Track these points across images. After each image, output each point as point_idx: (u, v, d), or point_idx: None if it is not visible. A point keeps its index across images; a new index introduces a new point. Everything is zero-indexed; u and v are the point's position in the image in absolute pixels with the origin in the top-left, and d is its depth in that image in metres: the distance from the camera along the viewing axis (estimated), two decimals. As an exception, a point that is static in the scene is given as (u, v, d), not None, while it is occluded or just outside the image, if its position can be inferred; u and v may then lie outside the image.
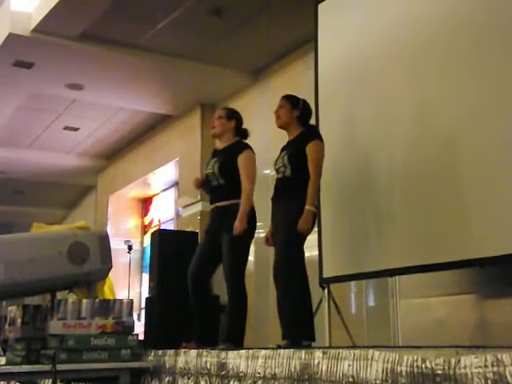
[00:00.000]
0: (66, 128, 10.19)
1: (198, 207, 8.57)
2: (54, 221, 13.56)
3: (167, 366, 3.71)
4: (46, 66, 7.74)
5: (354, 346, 4.32)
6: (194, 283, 4.18)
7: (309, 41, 6.21)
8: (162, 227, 10.93)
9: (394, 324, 5.13)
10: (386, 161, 4.44)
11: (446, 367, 1.99)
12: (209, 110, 8.79)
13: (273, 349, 3.09)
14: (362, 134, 4.71)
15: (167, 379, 3.67)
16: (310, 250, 4.49)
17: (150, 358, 3.90)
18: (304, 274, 3.90)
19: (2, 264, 4.01)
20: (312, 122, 4.39)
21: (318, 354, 2.58)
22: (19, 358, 3.58)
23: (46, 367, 3.42)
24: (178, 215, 9.83)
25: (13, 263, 4.04)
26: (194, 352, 3.52)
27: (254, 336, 6.22)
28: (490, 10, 3.87)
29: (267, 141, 6.83)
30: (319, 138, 4.09)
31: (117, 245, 9.10)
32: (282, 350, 2.86)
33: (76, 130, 10.30)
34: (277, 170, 4.13)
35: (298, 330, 3.81)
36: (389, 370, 2.21)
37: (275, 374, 2.79)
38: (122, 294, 8.52)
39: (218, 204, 4.21)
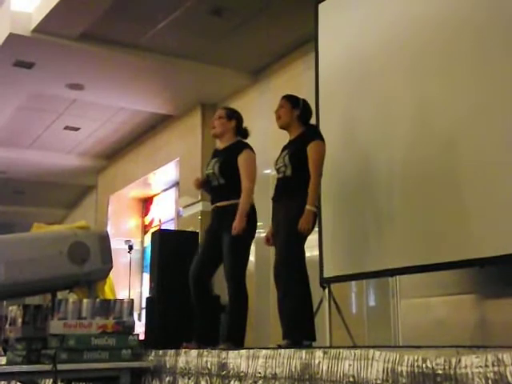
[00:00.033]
0: (66, 128, 10.20)
1: (199, 207, 8.57)
2: (54, 221, 13.57)
3: (168, 366, 3.71)
4: (47, 65, 7.74)
5: (355, 346, 4.32)
6: (196, 283, 4.18)
7: (309, 41, 6.22)
8: (162, 227, 10.93)
9: (394, 324, 5.13)
10: (386, 161, 4.44)
11: (447, 367, 2.00)
12: (209, 109, 8.80)
13: (273, 349, 3.09)
14: (362, 134, 4.71)
15: (168, 379, 3.68)
16: (311, 249, 4.49)
17: (151, 357, 3.90)
18: (304, 274, 3.91)
19: (3, 264, 4.01)
20: (312, 121, 4.39)
21: (319, 353, 2.58)
22: (20, 358, 3.58)
23: (47, 367, 3.42)
24: (178, 215, 9.84)
25: (13, 263, 4.05)
26: (194, 352, 3.52)
27: (254, 336, 6.23)
28: (489, 10, 3.87)
29: (267, 141, 6.83)
30: (320, 137, 4.10)
31: (117, 245, 9.11)
32: (283, 350, 2.86)
33: (76, 129, 10.30)
34: (277, 170, 4.13)
35: (298, 330, 3.82)
36: (389, 369, 2.21)
37: (276, 373, 2.79)
38: (122, 294, 8.52)
39: (218, 204, 4.21)
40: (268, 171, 6.93)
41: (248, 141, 4.38)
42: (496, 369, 1.85)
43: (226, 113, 4.41)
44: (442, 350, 2.77)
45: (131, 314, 3.81)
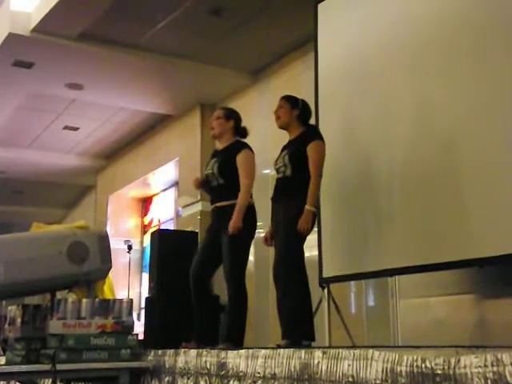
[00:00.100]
0: (65, 128, 10.20)
1: (198, 207, 8.57)
2: (53, 220, 13.57)
3: (167, 366, 3.71)
4: (46, 65, 7.74)
5: (354, 346, 4.32)
6: (196, 283, 4.18)
7: (308, 41, 6.21)
8: (161, 227, 10.93)
9: (393, 324, 5.14)
10: (386, 161, 4.44)
11: (446, 367, 2.00)
12: (208, 109, 8.79)
13: (273, 348, 3.09)
14: (362, 134, 4.71)
15: (167, 379, 3.67)
16: (310, 249, 4.49)
17: (150, 357, 3.90)
18: (304, 274, 3.91)
19: (2, 264, 4.01)
20: (312, 121, 4.40)
21: (318, 353, 2.58)
22: (19, 358, 3.58)
23: (46, 367, 3.42)
24: (177, 215, 9.84)
25: (12, 263, 4.05)
26: (193, 352, 3.52)
27: (253, 336, 6.23)
28: (489, 10, 3.87)
29: (267, 141, 6.83)
30: (320, 138, 4.09)
31: (116, 244, 9.11)
32: (282, 350, 2.86)
33: (76, 129, 10.30)
34: (277, 170, 4.13)
35: (297, 330, 3.81)
36: (388, 369, 2.21)
37: (275, 373, 2.79)
38: (121, 294, 8.52)
39: (217, 204, 4.22)
40: (267, 171, 6.93)
41: (247, 141, 4.38)
42: (495, 369, 1.85)
43: (224, 113, 4.41)
44: (441, 350, 2.77)
45: (130, 313, 3.81)
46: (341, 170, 4.71)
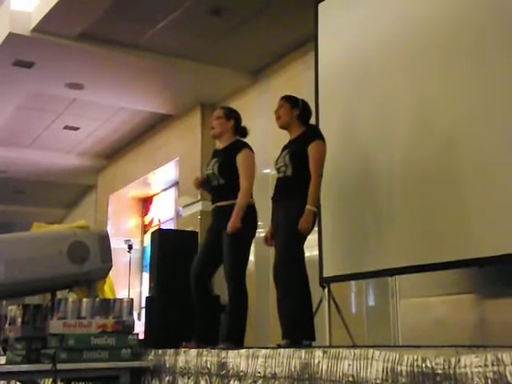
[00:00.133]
0: (66, 127, 10.20)
1: (198, 207, 8.58)
2: (54, 220, 13.58)
3: (167, 366, 3.72)
4: (46, 65, 7.74)
5: (354, 346, 4.32)
6: (196, 283, 4.19)
7: (308, 41, 6.22)
8: (162, 227, 10.93)
9: (394, 323, 5.14)
10: (386, 161, 4.44)
11: (446, 366, 2.00)
12: (209, 109, 8.79)
13: (273, 348, 3.10)
14: (361, 134, 4.71)
15: (167, 379, 3.68)
16: (311, 249, 4.49)
17: (150, 357, 3.91)
18: (304, 274, 3.91)
19: (3, 263, 4.02)
20: (312, 121, 4.40)
21: (318, 353, 2.59)
22: (19, 358, 3.58)
23: (47, 366, 3.42)
24: (178, 215, 9.84)
25: (13, 262, 4.05)
26: (194, 351, 3.52)
27: (254, 335, 6.23)
28: (489, 10, 3.87)
29: (267, 140, 6.83)
30: (321, 138, 4.09)
31: (117, 244, 9.11)
32: (282, 350, 2.86)
33: (76, 129, 10.30)
34: (278, 170, 4.13)
35: (298, 330, 3.82)
36: (389, 369, 2.21)
37: (275, 373, 2.79)
38: (122, 294, 8.51)
39: (218, 204, 4.22)
40: (267, 171, 6.93)
41: (248, 141, 4.38)
42: (495, 368, 1.85)
43: (224, 112, 4.41)
44: (441, 349, 2.77)
45: (131, 313, 3.81)
46: (341, 169, 4.71)
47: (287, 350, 2.83)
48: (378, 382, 2.24)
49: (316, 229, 4.43)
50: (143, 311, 8.00)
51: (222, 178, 4.20)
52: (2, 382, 3.84)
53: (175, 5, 6.69)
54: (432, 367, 2.04)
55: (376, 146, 4.55)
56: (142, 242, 11.84)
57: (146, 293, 7.18)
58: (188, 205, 8.94)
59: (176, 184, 10.32)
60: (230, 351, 3.21)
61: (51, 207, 14.29)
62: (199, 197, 8.40)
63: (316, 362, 2.58)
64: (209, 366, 3.31)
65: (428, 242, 4.07)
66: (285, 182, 4.07)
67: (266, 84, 8.04)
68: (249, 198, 4.14)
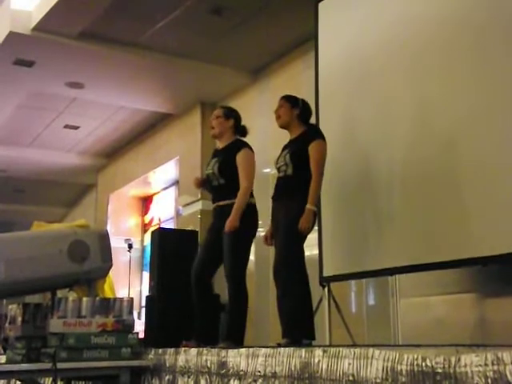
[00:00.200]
0: (66, 126, 10.20)
1: (198, 206, 8.58)
2: (54, 219, 13.58)
3: (167, 365, 3.72)
4: (47, 64, 7.74)
5: (354, 345, 4.33)
6: (197, 282, 4.19)
7: (308, 40, 6.22)
8: (162, 226, 10.93)
9: (394, 323, 5.14)
10: (386, 161, 4.44)
11: (447, 366, 2.00)
12: (209, 108, 8.79)
13: (273, 347, 3.10)
14: (362, 134, 4.71)
15: (167, 378, 3.68)
16: (311, 248, 4.50)
17: (151, 356, 3.91)
18: (304, 274, 3.91)
19: (3, 262, 4.02)
20: (312, 121, 4.39)
21: (319, 352, 2.59)
22: (19, 357, 3.59)
23: (47, 365, 3.43)
24: (178, 214, 9.84)
25: (13, 261, 4.06)
26: (194, 350, 3.53)
27: (254, 334, 6.23)
28: (489, 10, 3.88)
29: (267, 140, 6.83)
30: (322, 137, 4.09)
31: (117, 243, 9.11)
32: (283, 349, 2.86)
33: (76, 128, 10.30)
34: (278, 169, 4.14)
35: (298, 329, 3.82)
36: (389, 368, 2.21)
37: (275, 372, 2.79)
38: (122, 293, 8.52)
39: (219, 203, 4.22)
40: (268, 170, 6.94)
41: (247, 140, 4.38)
42: (496, 367, 1.85)
43: (223, 112, 4.41)
44: (441, 348, 2.78)
45: (131, 312, 3.82)
46: (341, 169, 4.72)
47: (287, 349, 2.83)
48: (378, 381, 2.24)
49: (316, 228, 4.43)
50: (143, 310, 8.00)
51: (222, 177, 4.20)
52: (2, 381, 3.85)
53: (175, 4, 6.69)
54: (432, 366, 2.04)
55: (376, 146, 4.55)
56: (142, 241, 11.85)
57: (146, 292, 7.19)
58: (188, 204, 8.94)
59: (176, 183, 10.33)
60: (230, 350, 3.21)
61: (51, 206, 14.29)
62: (199, 196, 8.40)
63: (316, 361, 2.58)
64: (209, 365, 3.31)
65: (428, 241, 4.08)
66: (285, 182, 4.07)
67: (265, 83, 8.04)
68: (248, 197, 4.14)
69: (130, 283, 9.47)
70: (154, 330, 4.77)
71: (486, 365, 1.88)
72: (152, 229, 10.49)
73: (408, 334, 4.84)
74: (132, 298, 4.02)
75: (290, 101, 4.20)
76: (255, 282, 6.91)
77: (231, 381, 3.08)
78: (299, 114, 4.16)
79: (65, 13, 6.64)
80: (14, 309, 3.84)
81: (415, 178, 4.23)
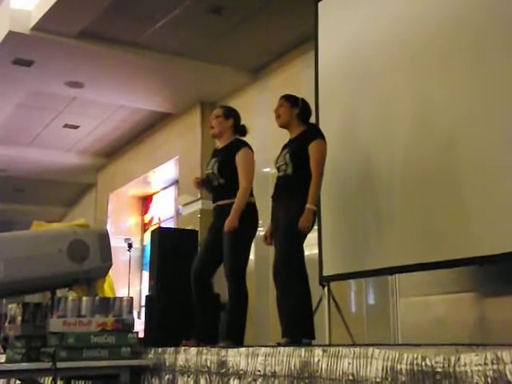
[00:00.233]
0: (65, 126, 10.20)
1: (198, 205, 8.58)
2: (53, 219, 13.56)
3: (167, 364, 3.72)
4: (46, 63, 7.74)
5: (354, 344, 4.33)
6: (197, 282, 4.19)
7: (308, 39, 6.22)
8: (162, 225, 10.93)
9: (393, 322, 5.14)
10: (386, 160, 4.45)
11: (446, 365, 2.00)
12: (208, 108, 8.78)
13: (273, 347, 3.10)
14: (362, 134, 4.71)
15: (167, 377, 3.68)
16: (310, 248, 4.50)
17: (150, 355, 3.91)
18: (304, 273, 3.91)
19: (2, 262, 4.02)
20: (312, 120, 4.39)
21: (318, 351, 2.59)
22: (19, 356, 3.59)
23: (46, 365, 3.43)
24: (178, 213, 9.84)
25: (13, 261, 4.05)
26: (193, 350, 3.53)
27: (254, 334, 6.23)
28: (489, 10, 3.88)
29: (267, 139, 6.83)
30: (322, 137, 4.09)
31: (117, 243, 9.12)
32: (282, 348, 2.86)
33: (76, 127, 10.30)
34: (278, 168, 4.14)
35: (297, 328, 3.82)
36: (389, 367, 2.21)
37: (275, 371, 2.79)
38: (122, 292, 8.53)
39: (219, 203, 4.22)
40: (267, 170, 6.94)
41: (247, 139, 4.38)
42: (495, 367, 1.85)
43: (223, 111, 4.41)
44: (441, 348, 2.78)
45: (131, 311, 3.82)
46: (341, 169, 4.72)
47: (287, 348, 2.84)
48: (378, 380, 2.24)
49: (316, 227, 4.43)
50: (143, 310, 7.99)
51: (221, 177, 4.20)
52: (2, 380, 3.85)
53: (175, 3, 6.69)
54: (432, 366, 2.05)
55: (376, 146, 4.55)
56: (142, 240, 11.85)
57: (145, 291, 7.18)
58: (188, 203, 8.94)
59: (176, 182, 10.33)
60: (229, 350, 3.21)
61: (51, 206, 14.29)
62: (199, 195, 8.40)
63: (316, 360, 2.58)
64: (209, 364, 3.31)
65: (428, 240, 4.08)
66: (285, 181, 4.07)
67: (265, 82, 8.04)
68: (247, 197, 4.13)
69: (129, 283, 9.47)
70: (154, 330, 4.77)
71: (485, 364, 1.88)
72: (152, 228, 10.48)
73: (408, 333, 4.85)
74: (132, 298, 4.02)
75: (290, 100, 4.20)
76: (255, 282, 6.91)
77: (231, 380, 3.09)
78: (299, 114, 4.16)
79: (64, 12, 6.64)
80: (13, 308, 3.85)
81: (415, 178, 4.23)
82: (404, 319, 4.98)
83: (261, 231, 4.49)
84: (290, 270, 3.87)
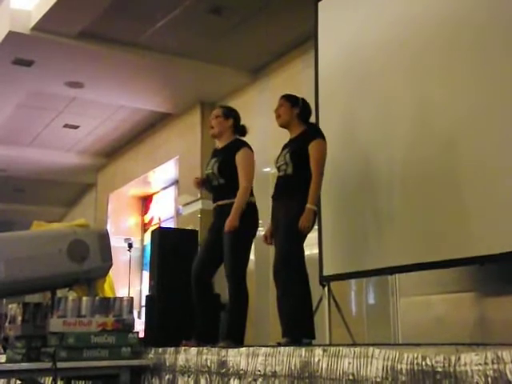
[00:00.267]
0: (65, 126, 10.20)
1: (198, 205, 8.58)
2: (53, 219, 13.56)
3: (167, 364, 3.72)
4: (46, 64, 7.74)
5: (354, 344, 4.33)
6: (197, 282, 4.19)
7: (308, 39, 6.22)
8: (162, 225, 10.92)
9: (394, 322, 5.14)
10: (386, 160, 4.45)
11: (446, 365, 2.00)
12: (208, 108, 8.77)
13: (273, 346, 3.10)
14: (362, 134, 4.71)
15: (167, 377, 3.68)
16: (311, 248, 4.50)
17: (151, 355, 3.91)
18: (304, 273, 3.91)
19: (3, 262, 4.02)
20: (312, 120, 4.39)
21: (319, 351, 2.59)
22: (19, 356, 3.59)
23: (47, 365, 3.43)
24: (178, 213, 9.84)
25: (13, 261, 4.06)
26: (194, 350, 3.53)
27: (254, 334, 6.23)
28: (490, 10, 3.88)
29: (267, 139, 6.83)
30: (322, 136, 4.10)
31: (117, 243, 9.12)
32: (283, 348, 2.86)
33: (76, 127, 10.30)
34: (278, 168, 4.14)
35: (298, 328, 3.82)
36: (389, 367, 2.21)
37: (275, 371, 2.80)
38: (122, 292, 8.52)
39: (219, 203, 4.23)
40: (267, 169, 6.94)
41: (247, 139, 4.38)
42: (495, 366, 1.85)
43: (222, 111, 4.41)
44: (441, 347, 2.78)
45: (131, 311, 3.82)
46: (341, 169, 4.72)
47: (287, 348, 2.84)
48: (378, 380, 2.24)
49: (316, 227, 4.43)
50: (143, 310, 8.00)
51: (221, 177, 4.20)
52: (2, 380, 3.85)
53: (175, 3, 6.69)
54: (432, 365, 2.05)
55: (376, 146, 4.55)
56: (142, 240, 11.84)
57: (146, 291, 7.18)
58: (188, 203, 8.94)
59: (176, 182, 10.33)
60: (230, 349, 3.21)
61: (51, 206, 14.29)
62: (199, 195, 8.40)
63: (316, 360, 2.58)
64: (209, 364, 3.31)
65: (428, 240, 4.08)
66: (285, 181, 4.07)
67: (265, 82, 8.04)
68: (247, 197, 4.14)
69: (129, 282, 9.47)
70: (154, 330, 4.77)
71: (485, 364, 1.88)
72: (152, 228, 10.48)
73: (408, 332, 4.85)
74: (132, 298, 4.02)
75: (290, 100, 4.20)
76: (255, 282, 6.91)
77: (231, 380, 3.09)
78: (299, 113, 4.16)
79: (64, 12, 6.64)
80: (13, 308, 3.85)
81: (415, 178, 4.23)
82: (404, 319, 4.98)
83: (261, 231, 4.49)
84: (290, 269, 3.87)
